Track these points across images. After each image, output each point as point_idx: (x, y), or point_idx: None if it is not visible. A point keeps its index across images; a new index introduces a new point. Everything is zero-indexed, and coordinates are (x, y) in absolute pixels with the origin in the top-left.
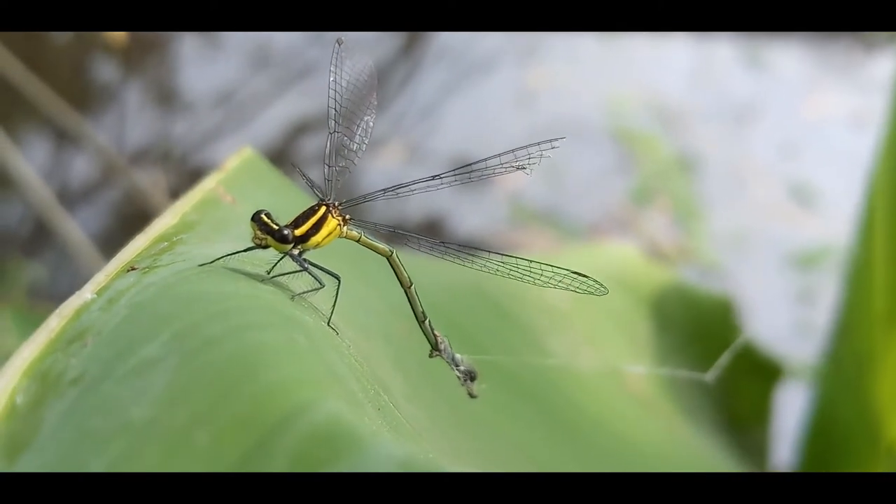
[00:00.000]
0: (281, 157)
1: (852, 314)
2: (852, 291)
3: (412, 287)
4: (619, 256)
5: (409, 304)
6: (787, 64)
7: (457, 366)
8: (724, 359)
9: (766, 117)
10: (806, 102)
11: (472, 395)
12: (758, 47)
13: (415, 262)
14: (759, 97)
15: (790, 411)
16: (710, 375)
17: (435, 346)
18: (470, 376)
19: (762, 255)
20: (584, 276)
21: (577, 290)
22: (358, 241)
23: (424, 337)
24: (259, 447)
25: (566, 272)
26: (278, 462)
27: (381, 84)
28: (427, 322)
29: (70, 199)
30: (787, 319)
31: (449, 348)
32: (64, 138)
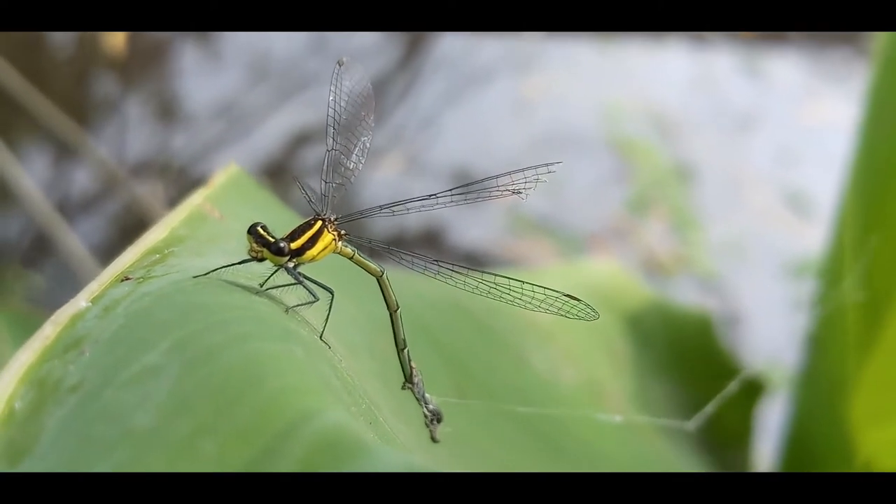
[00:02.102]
0: (280, 168)
1: (826, 331)
2: (825, 308)
3: (398, 311)
4: (601, 273)
5: (392, 328)
6: (785, 73)
7: (426, 404)
8: (710, 407)
9: (763, 126)
10: (803, 111)
11: (434, 440)
12: (755, 56)
13: (402, 276)
14: (756, 106)
15: (777, 422)
16: (693, 424)
17: (408, 379)
18: (437, 417)
19: (760, 264)
20: (577, 299)
21: (568, 314)
22: (351, 258)
23: (409, 357)
24: (265, 455)
25: (558, 295)
26: (284, 470)
27: (381, 96)
28: (406, 351)
29: (70, 211)
30: (785, 328)
31: (421, 384)
32: (64, 151)
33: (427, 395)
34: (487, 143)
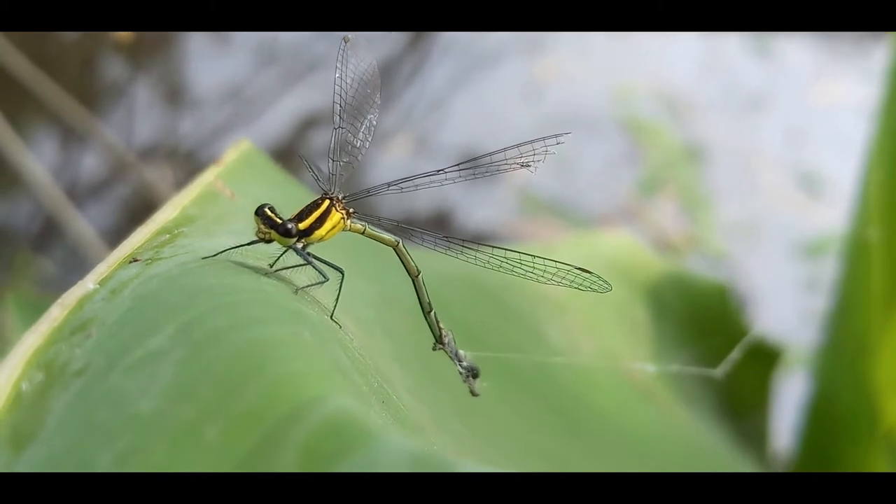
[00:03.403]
0: (289, 151)
1: (850, 298)
2: (850, 275)
3: (420, 276)
4: (616, 245)
5: (415, 294)
6: (796, 52)
7: (460, 361)
8: (735, 354)
9: (774, 106)
10: (814, 91)
11: (473, 394)
12: (765, 36)
13: (415, 254)
14: (767, 86)
15: (794, 398)
16: (720, 371)
17: (439, 340)
18: (472, 373)
19: (771, 244)
20: (588, 271)
21: (581, 286)
22: (362, 233)
23: (429, 329)
24: (268, 441)
25: (570, 268)
26: (288, 456)
27: (389, 77)
28: (433, 313)
29: (79, 195)
30: (796, 308)
31: (453, 343)
32: (73, 135)
33: (460, 351)
34: (497, 125)
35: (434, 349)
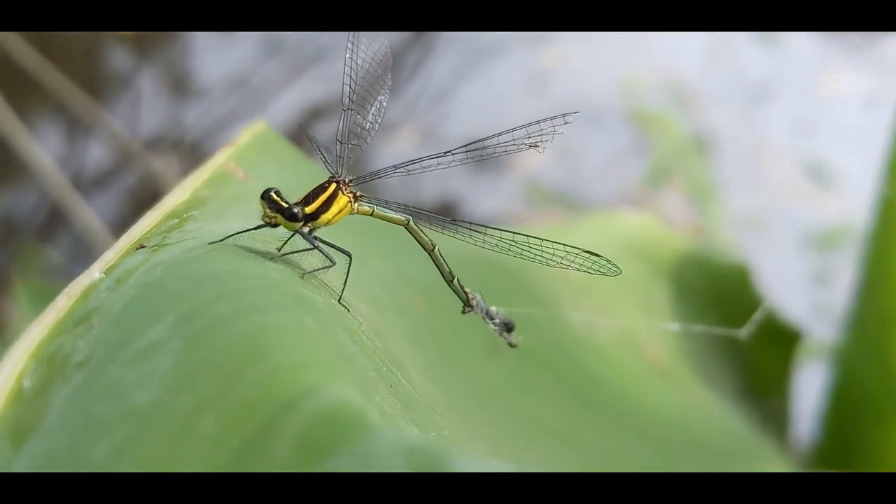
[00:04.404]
0: (295, 142)
1: (874, 275)
2: (874, 252)
3: (435, 249)
4: (635, 225)
5: (434, 267)
6: (802, 42)
7: (491, 319)
8: (759, 315)
9: (780, 96)
10: (820, 81)
11: (511, 345)
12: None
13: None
14: (774, 76)
15: (811, 388)
16: (745, 332)
17: (467, 303)
18: (507, 327)
19: (778, 236)
20: (597, 255)
21: (590, 270)
22: (371, 214)
23: (455, 296)
24: (263, 431)
25: (578, 251)
26: (283, 445)
27: (395, 67)
28: (455, 280)
29: (85, 185)
30: (805, 300)
31: (482, 302)
32: (78, 125)
33: (491, 308)
34: (503, 116)
35: (464, 313)
